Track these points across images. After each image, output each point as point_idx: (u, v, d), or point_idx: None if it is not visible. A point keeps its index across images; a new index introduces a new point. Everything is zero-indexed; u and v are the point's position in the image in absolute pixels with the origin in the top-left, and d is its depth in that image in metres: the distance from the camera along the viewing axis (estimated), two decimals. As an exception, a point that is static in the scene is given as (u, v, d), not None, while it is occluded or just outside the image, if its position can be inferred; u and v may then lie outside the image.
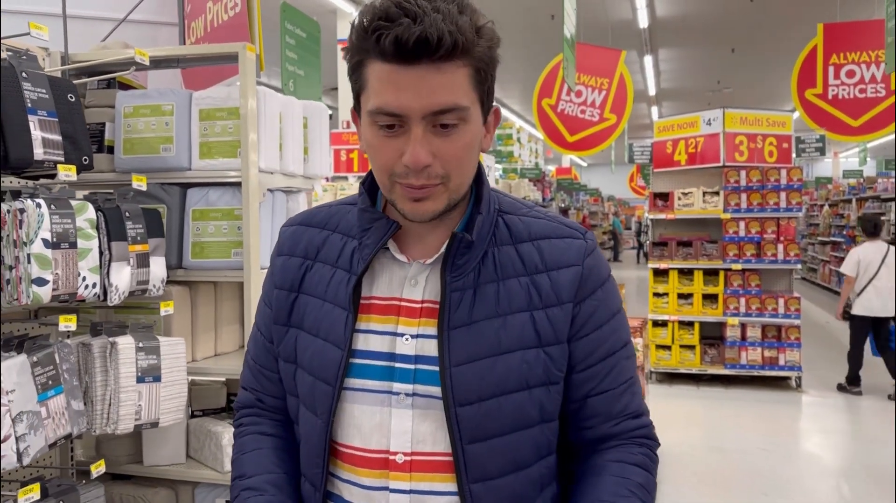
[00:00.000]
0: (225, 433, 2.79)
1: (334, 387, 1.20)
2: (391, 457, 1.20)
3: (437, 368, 1.19)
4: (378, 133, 1.13)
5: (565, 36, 7.72)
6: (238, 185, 2.75)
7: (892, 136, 12.44)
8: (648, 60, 14.96)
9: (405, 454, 1.20)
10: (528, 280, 1.23)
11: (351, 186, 6.93)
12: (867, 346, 7.98)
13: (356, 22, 1.14)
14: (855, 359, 8.00)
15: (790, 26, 11.63)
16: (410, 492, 1.20)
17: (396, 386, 1.20)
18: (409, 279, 1.23)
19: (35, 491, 2.08)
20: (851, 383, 7.94)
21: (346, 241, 1.28)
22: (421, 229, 1.24)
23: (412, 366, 1.20)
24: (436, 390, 1.19)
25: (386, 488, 1.21)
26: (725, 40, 13.39)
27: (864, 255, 8.05)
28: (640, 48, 13.69)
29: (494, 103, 1.25)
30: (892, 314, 7.75)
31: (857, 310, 7.93)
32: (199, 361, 2.90)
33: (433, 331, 1.20)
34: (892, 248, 8.12)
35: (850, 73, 8.07)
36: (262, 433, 1.40)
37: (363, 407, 1.23)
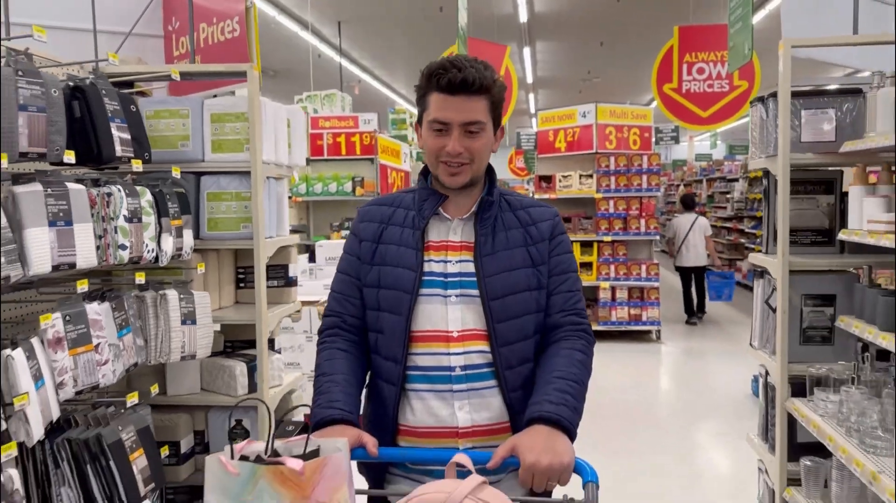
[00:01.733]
0: (237, 366, 3.22)
1: (412, 294, 1.78)
2: (450, 334, 1.79)
3: (474, 279, 1.79)
4: (433, 134, 1.76)
5: (459, 32, 8.21)
6: (243, 173, 3.14)
7: (737, 123, 13.65)
8: (527, 52, 15.15)
9: (458, 331, 1.79)
10: (523, 230, 1.87)
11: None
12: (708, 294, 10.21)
13: (424, 71, 1.78)
14: (686, 299, 10.38)
15: (652, 26, 12.04)
16: (463, 352, 1.78)
17: (449, 291, 1.80)
18: (453, 228, 1.85)
19: (135, 397, 2.61)
20: (689, 316, 10.28)
21: (407, 212, 1.89)
22: (457, 199, 1.86)
23: (458, 279, 1.80)
24: (474, 292, 1.79)
25: (447, 353, 1.78)
26: (595, 35, 13.83)
27: (679, 223, 10.13)
28: (520, 40, 13.95)
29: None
30: (703, 264, 10.18)
31: (678, 263, 10.14)
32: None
33: (470, 257, 1.81)
34: (700, 217, 10.36)
35: (701, 70, 8.71)
36: (338, 348, 1.88)
37: (430, 306, 1.80)
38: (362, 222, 1.94)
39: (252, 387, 3.30)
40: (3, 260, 2.15)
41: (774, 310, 3.13)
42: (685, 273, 10.30)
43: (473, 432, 1.78)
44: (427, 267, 1.82)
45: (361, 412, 1.82)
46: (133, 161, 2.73)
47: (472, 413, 1.78)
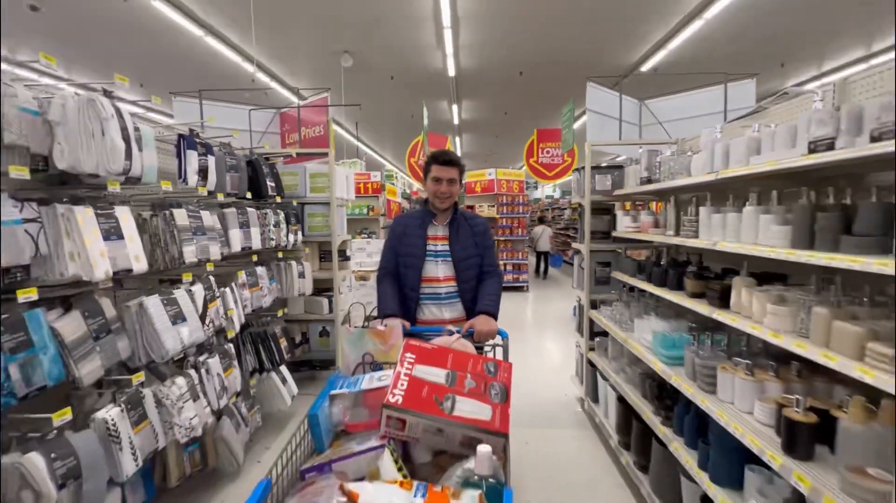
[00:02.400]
0: (322, 300, 3.47)
1: (421, 259, 1.97)
2: (440, 277, 1.98)
3: (450, 252, 1.99)
4: (433, 183, 1.94)
5: (424, 128, 8.62)
6: (325, 203, 3.41)
7: (566, 179, 14.02)
8: (458, 140, 15.00)
9: (443, 276, 1.98)
10: (470, 230, 2.04)
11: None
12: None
13: (430, 155, 1.94)
14: (537, 268, 10.80)
15: (523, 129, 12.32)
16: (445, 287, 1.96)
17: (439, 260, 1.99)
18: (438, 229, 2.04)
19: (283, 312, 2.91)
20: (538, 275, 10.64)
21: (417, 220, 2.04)
22: (441, 215, 2.04)
23: (443, 252, 2.01)
24: (449, 259, 1.98)
25: (439, 287, 1.96)
26: (492, 134, 13.81)
27: (536, 230, 10.55)
28: (454, 133, 13.89)
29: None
30: (547, 250, 10.79)
31: (536, 249, 10.54)
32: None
33: (447, 243, 2.00)
34: (546, 227, 10.94)
35: (548, 152, 8.91)
36: (388, 281, 2.00)
37: (429, 265, 1.98)
38: (395, 226, 2.08)
39: (330, 309, 3.60)
40: (219, 243, 2.45)
41: (583, 269, 3.53)
42: (539, 254, 10.92)
43: (451, 321, 1.96)
44: (428, 248, 2.01)
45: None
46: (276, 197, 3.01)
47: (449, 313, 1.97)
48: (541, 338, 5.74)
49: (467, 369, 1.21)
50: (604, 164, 3.40)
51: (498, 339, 1.79)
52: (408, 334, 1.76)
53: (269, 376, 2.86)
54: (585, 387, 3.48)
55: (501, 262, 9.19)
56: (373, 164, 18.69)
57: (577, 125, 10.71)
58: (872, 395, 1.35)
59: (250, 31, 5.74)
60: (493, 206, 9.35)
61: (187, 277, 2.07)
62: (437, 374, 1.16)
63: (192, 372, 2.02)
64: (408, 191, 10.60)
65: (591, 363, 3.40)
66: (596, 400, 3.32)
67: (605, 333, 3.22)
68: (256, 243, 2.72)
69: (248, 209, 2.70)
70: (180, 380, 1.90)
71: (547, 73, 8.70)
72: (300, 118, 3.75)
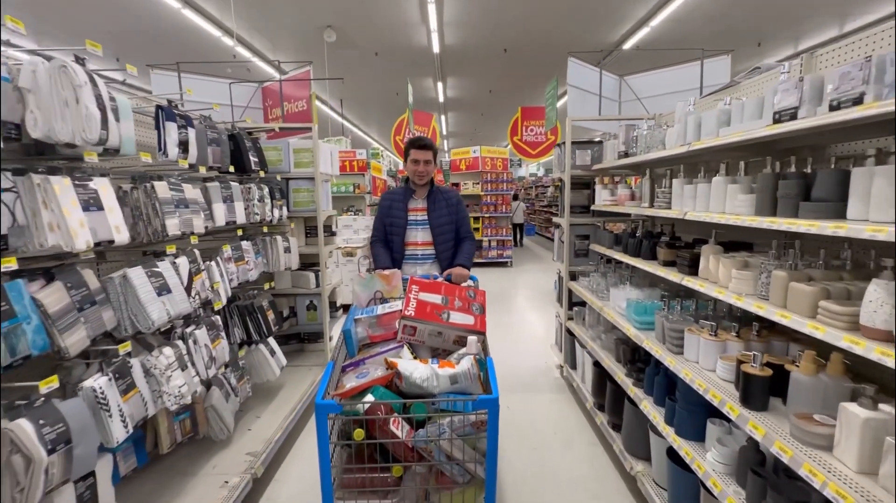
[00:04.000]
0: (309, 275, 3.42)
1: (404, 228, 2.23)
2: (419, 241, 2.23)
3: (427, 221, 2.22)
4: (412, 164, 2.19)
5: (409, 105, 8.41)
6: (310, 178, 3.31)
7: (549, 158, 14.09)
8: (443, 118, 14.89)
9: (421, 241, 2.25)
10: (445, 202, 2.30)
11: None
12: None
13: (408, 141, 2.19)
14: (514, 237, 11.27)
15: (508, 107, 12.24)
16: (422, 250, 2.23)
17: (418, 227, 2.30)
18: (418, 203, 2.28)
19: (268, 285, 2.90)
20: (515, 245, 11.25)
21: (400, 196, 2.29)
22: (419, 190, 2.28)
23: (422, 221, 2.24)
24: (427, 227, 2.22)
25: (417, 249, 2.28)
26: (478, 112, 13.70)
27: (514, 205, 10.90)
28: (440, 111, 13.74)
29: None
30: (521, 222, 11.77)
31: (513, 222, 10.80)
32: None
33: (425, 214, 2.24)
34: (521, 202, 12.17)
35: (532, 130, 8.73)
36: (380, 244, 2.32)
37: (411, 231, 2.30)
38: (382, 201, 2.36)
39: (317, 284, 3.59)
40: (203, 217, 2.41)
41: (563, 243, 3.59)
42: (514, 226, 11.68)
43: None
44: (409, 218, 2.30)
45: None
46: (259, 172, 2.94)
47: (422, 270, 2.18)
48: (524, 310, 5.80)
49: (455, 294, 1.65)
50: (583, 140, 3.40)
51: (470, 283, 2.14)
52: (405, 281, 2.03)
53: (258, 348, 2.86)
54: (564, 355, 3.58)
55: (486, 239, 9.23)
56: (359, 142, 18.38)
57: (560, 103, 10.70)
58: (825, 351, 1.41)
59: (230, 4, 5.49)
60: (478, 183, 9.32)
61: (171, 250, 2.04)
62: (435, 298, 1.60)
63: (180, 343, 2.01)
64: (394, 168, 10.50)
65: (569, 332, 3.48)
66: (574, 366, 3.41)
67: (583, 303, 3.29)
68: (241, 218, 2.67)
69: (232, 183, 2.64)
70: (168, 351, 1.89)
71: (531, 51, 8.58)
72: (282, 93, 3.63)
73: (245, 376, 2.72)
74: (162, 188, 1.98)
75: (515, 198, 12.52)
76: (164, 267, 1.93)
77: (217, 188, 2.51)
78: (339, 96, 12.05)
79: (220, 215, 2.51)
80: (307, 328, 3.58)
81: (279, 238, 3.12)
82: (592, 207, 3.22)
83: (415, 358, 1.46)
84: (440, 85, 10.93)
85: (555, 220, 3.73)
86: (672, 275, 2.04)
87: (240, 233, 2.73)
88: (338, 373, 1.47)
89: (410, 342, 1.56)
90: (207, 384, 2.37)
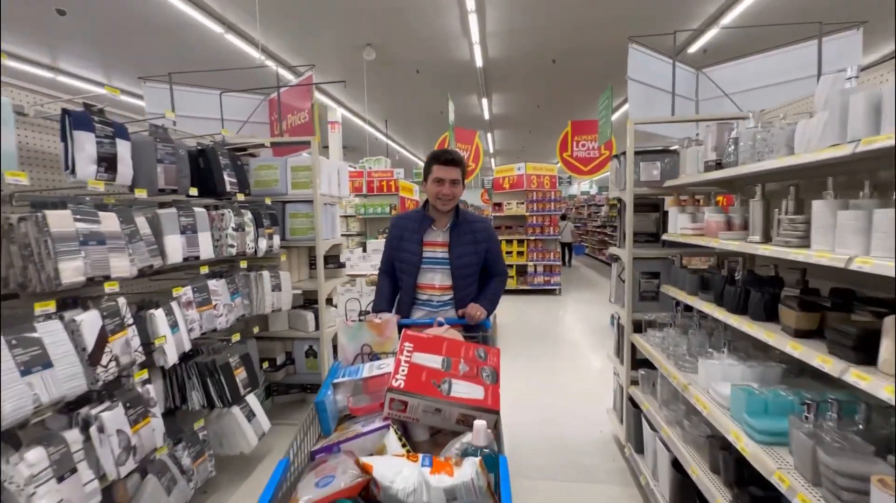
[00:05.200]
0: (308, 315, 2.91)
1: (417, 267, 1.88)
2: (435, 285, 1.89)
3: (448, 260, 1.87)
4: (435, 185, 1.85)
5: (450, 123, 8.01)
6: (310, 202, 2.84)
7: (604, 175, 13.30)
8: (489, 136, 14.68)
9: (439, 285, 1.89)
10: (472, 236, 1.91)
11: (349, 200, 6.98)
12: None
13: (431, 155, 1.85)
14: (563, 258, 11.23)
15: (556, 121, 11.73)
16: (441, 295, 1.88)
17: (437, 266, 1.88)
18: (437, 235, 1.91)
19: (237, 336, 2.35)
20: (563, 265, 11.25)
21: (415, 225, 1.92)
22: (440, 219, 1.91)
23: (441, 260, 1.88)
24: (447, 266, 1.87)
25: (434, 295, 1.89)
26: (526, 127, 13.35)
27: (562, 225, 10.54)
28: (486, 129, 13.52)
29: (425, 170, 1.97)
30: (570, 241, 11.83)
31: (561, 241, 10.39)
32: (293, 283, 2.91)
33: (446, 250, 1.89)
34: (569, 222, 11.93)
35: (583, 145, 8.22)
36: (386, 279, 1.99)
37: (425, 272, 1.89)
38: (392, 228, 2.00)
39: (317, 326, 3.00)
40: (147, 254, 1.87)
41: (623, 281, 2.78)
42: (563, 245, 11.66)
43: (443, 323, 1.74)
44: (424, 254, 1.91)
45: (397, 302, 1.98)
46: (238, 194, 2.42)
47: (442, 318, 1.79)
48: (574, 353, 5.03)
49: (460, 355, 1.34)
50: (649, 149, 2.57)
51: (484, 331, 1.81)
52: (400, 326, 1.76)
53: (229, 412, 2.26)
54: (626, 430, 2.69)
55: (531, 264, 8.53)
56: (406, 162, 18.32)
57: (615, 116, 9.84)
58: None
59: (267, 27, 5.24)
60: (523, 202, 8.68)
61: (114, 287, 1.46)
62: (434, 360, 1.31)
63: (74, 433, 1.40)
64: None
65: (633, 402, 2.60)
66: (640, 449, 2.52)
67: (650, 362, 2.42)
68: (207, 251, 2.15)
69: (197, 209, 2.14)
70: (34, 455, 1.29)
71: (582, 60, 7.94)
72: (281, 104, 3.15)
73: (206, 451, 2.11)
74: (59, 219, 1.42)
75: (563, 217, 11.93)
76: (46, 330, 1.35)
77: (172, 216, 2.00)
78: (382, 116, 11.87)
79: (176, 249, 2.00)
80: (306, 378, 2.98)
81: (266, 274, 2.57)
82: (664, 236, 2.44)
83: (404, 445, 1.17)
84: (485, 101, 10.57)
85: (612, 250, 2.92)
86: (819, 360, 1.17)
87: (205, 269, 2.17)
88: (295, 473, 1.12)
89: (401, 419, 1.24)
90: (143, 471, 1.76)
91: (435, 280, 1.90)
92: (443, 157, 1.83)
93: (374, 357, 1.56)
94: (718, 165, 1.96)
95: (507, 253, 8.47)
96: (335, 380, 1.37)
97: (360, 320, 1.67)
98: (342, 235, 6.71)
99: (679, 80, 2.85)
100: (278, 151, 3.34)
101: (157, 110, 3.02)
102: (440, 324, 1.65)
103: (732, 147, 1.86)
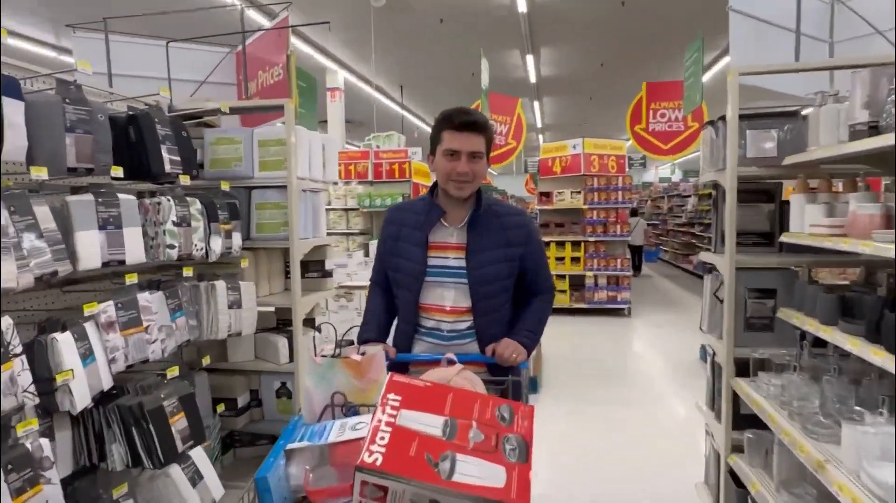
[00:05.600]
0: (279, 341, 2.79)
1: (420, 280, 1.73)
2: (445, 307, 1.74)
3: (464, 270, 1.72)
4: (445, 159, 1.68)
5: (482, 88, 7.85)
6: (284, 187, 2.71)
7: (690, 156, 13.06)
8: (536, 105, 14.74)
9: (450, 307, 1.74)
10: (502, 235, 1.75)
11: (337, 188, 6.90)
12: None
13: (441, 116, 1.70)
14: (632, 262, 11.11)
15: (628, 82, 11.65)
16: (453, 321, 1.74)
17: (446, 280, 1.73)
18: (450, 233, 1.76)
19: (175, 370, 2.22)
20: (633, 271, 11.60)
21: (417, 216, 1.78)
22: (453, 210, 1.76)
23: (454, 270, 1.73)
24: (463, 280, 1.72)
25: (443, 321, 1.75)
26: (586, 92, 13.37)
27: (632, 223, 10.34)
28: (531, 96, 13.53)
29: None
30: (640, 244, 12.51)
31: (630, 243, 10.20)
32: (260, 297, 2.86)
33: (462, 255, 1.73)
34: (640, 219, 12.63)
35: (662, 115, 8.11)
36: (380, 292, 1.90)
37: (432, 288, 1.75)
38: (387, 224, 1.87)
39: (291, 356, 2.85)
40: (50, 256, 1.76)
41: (721, 301, 2.50)
42: (633, 248, 11.87)
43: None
44: (431, 261, 1.76)
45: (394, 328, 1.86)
46: (181, 177, 2.30)
47: (455, 355, 1.62)
48: (647, 400, 4.77)
49: (472, 415, 1.24)
50: (764, 109, 2.31)
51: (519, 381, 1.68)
52: (393, 365, 1.70)
53: (165, 474, 2.14)
54: (724, 517, 2.41)
55: (591, 274, 8.31)
56: (424, 139, 18.41)
57: (708, 76, 9.41)
58: None
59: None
60: (579, 192, 8.45)
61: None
62: (430, 423, 1.21)
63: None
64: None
65: (734, 477, 2.33)
66: (746, 549, 2.23)
67: (764, 423, 2.15)
68: (137, 254, 2.08)
69: (124, 197, 2.04)
70: None
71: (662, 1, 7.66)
72: (247, 58, 3.05)
73: (130, 527, 1.98)
74: None
75: (634, 213, 11.87)
76: None
77: (88, 205, 1.93)
78: (396, 81, 11.84)
79: (92, 251, 1.92)
80: (277, 426, 2.88)
81: (221, 285, 2.49)
82: (784, 237, 2.24)
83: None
84: (530, 59, 10.42)
85: (704, 257, 2.69)
86: None
87: (133, 279, 2.08)
88: None
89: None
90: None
91: (446, 299, 1.75)
92: (458, 119, 1.66)
93: (350, 410, 1.48)
94: (873, 130, 1.68)
95: (558, 260, 8.32)
96: (290, 446, 1.28)
97: (333, 355, 1.56)
98: (333, 234, 6.61)
99: (806, 12, 2.57)
100: (247, 120, 3.24)
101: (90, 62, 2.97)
102: (450, 362, 1.54)
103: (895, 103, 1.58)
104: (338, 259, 5.23)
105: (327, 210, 6.41)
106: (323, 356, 1.54)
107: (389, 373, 1.34)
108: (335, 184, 6.70)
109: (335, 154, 3.17)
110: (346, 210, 6.87)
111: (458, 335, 1.75)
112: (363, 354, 1.53)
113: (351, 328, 1.77)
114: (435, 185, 1.79)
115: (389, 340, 1.86)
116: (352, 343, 1.78)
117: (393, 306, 1.87)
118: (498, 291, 1.75)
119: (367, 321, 1.84)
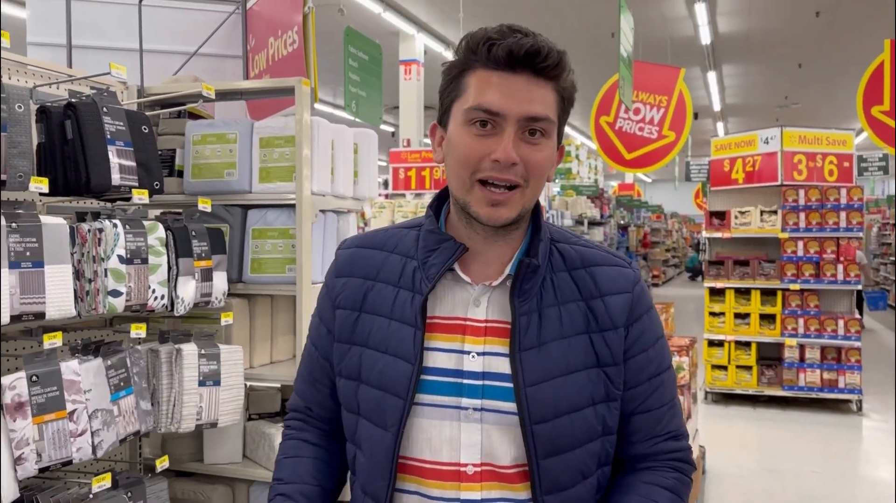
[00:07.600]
0: (277, 435, 2.78)
1: (406, 400, 1.21)
2: (462, 469, 1.23)
3: (507, 385, 1.22)
4: (470, 131, 1.18)
5: (621, 55, 7.62)
6: (294, 206, 2.78)
7: None
8: (712, 77, 14.52)
9: (475, 465, 1.23)
10: (584, 305, 1.27)
11: (407, 202, 7.00)
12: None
13: (465, 40, 1.23)
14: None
15: (858, 41, 11.27)
16: (482, 500, 1.23)
17: (465, 401, 1.23)
18: (474, 299, 1.26)
19: (106, 480, 2.20)
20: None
21: (405, 261, 1.30)
22: (486, 250, 1.28)
23: (480, 383, 1.23)
24: (506, 406, 1.22)
25: (457, 499, 1.24)
26: (792, 55, 12.93)
27: (859, 257, 8.81)
28: (703, 64, 13.31)
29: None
30: (859, 287, 9.95)
31: None
32: (256, 368, 2.92)
33: (501, 349, 1.24)
34: (860, 251, 10.07)
35: None
36: (305, 441, 1.42)
37: (433, 421, 1.24)
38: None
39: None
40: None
41: None
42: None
43: None
44: (430, 358, 1.25)
45: None
46: (136, 191, 2.34)
47: None
48: None
49: None
50: None
51: None
52: None
53: None
54: None
55: (793, 341, 7.80)
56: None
57: None
58: None
59: None
60: (775, 211, 8.06)
61: None
62: None
63: None
64: (596, 179, 9.54)
65: None
66: None
67: None
68: (62, 303, 2.13)
69: (48, 221, 2.12)
70: None
71: None
72: (252, 21, 3.13)
73: None
74: None
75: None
76: None
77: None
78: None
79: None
80: None
81: (188, 350, 2.52)
82: None
83: None
84: (702, 7, 10.30)
85: None
86: None
87: (55, 339, 2.15)
88: None
89: None
90: None
91: (463, 448, 1.28)
92: (504, 46, 1.19)
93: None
94: None
95: (738, 318, 7.99)
96: None
97: None
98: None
99: None
100: (257, 110, 3.31)
101: (47, 36, 3.15)
102: None
103: None
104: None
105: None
106: None
107: None
108: (386, 197, 6.83)
109: (374, 156, 3.22)
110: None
111: None
112: None
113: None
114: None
115: None
116: None
117: (335, 466, 1.45)
118: (583, 433, 1.29)
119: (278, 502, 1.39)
